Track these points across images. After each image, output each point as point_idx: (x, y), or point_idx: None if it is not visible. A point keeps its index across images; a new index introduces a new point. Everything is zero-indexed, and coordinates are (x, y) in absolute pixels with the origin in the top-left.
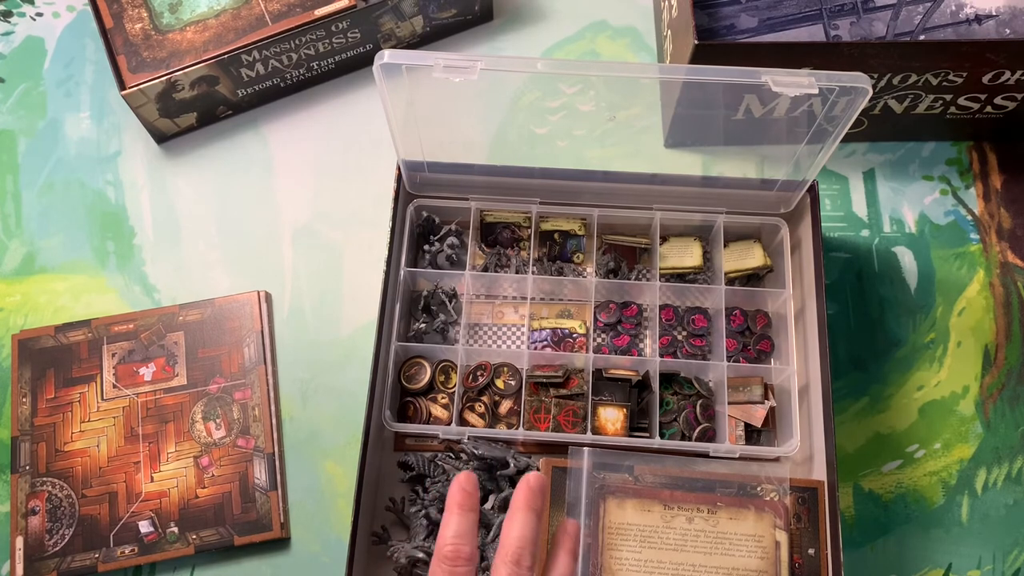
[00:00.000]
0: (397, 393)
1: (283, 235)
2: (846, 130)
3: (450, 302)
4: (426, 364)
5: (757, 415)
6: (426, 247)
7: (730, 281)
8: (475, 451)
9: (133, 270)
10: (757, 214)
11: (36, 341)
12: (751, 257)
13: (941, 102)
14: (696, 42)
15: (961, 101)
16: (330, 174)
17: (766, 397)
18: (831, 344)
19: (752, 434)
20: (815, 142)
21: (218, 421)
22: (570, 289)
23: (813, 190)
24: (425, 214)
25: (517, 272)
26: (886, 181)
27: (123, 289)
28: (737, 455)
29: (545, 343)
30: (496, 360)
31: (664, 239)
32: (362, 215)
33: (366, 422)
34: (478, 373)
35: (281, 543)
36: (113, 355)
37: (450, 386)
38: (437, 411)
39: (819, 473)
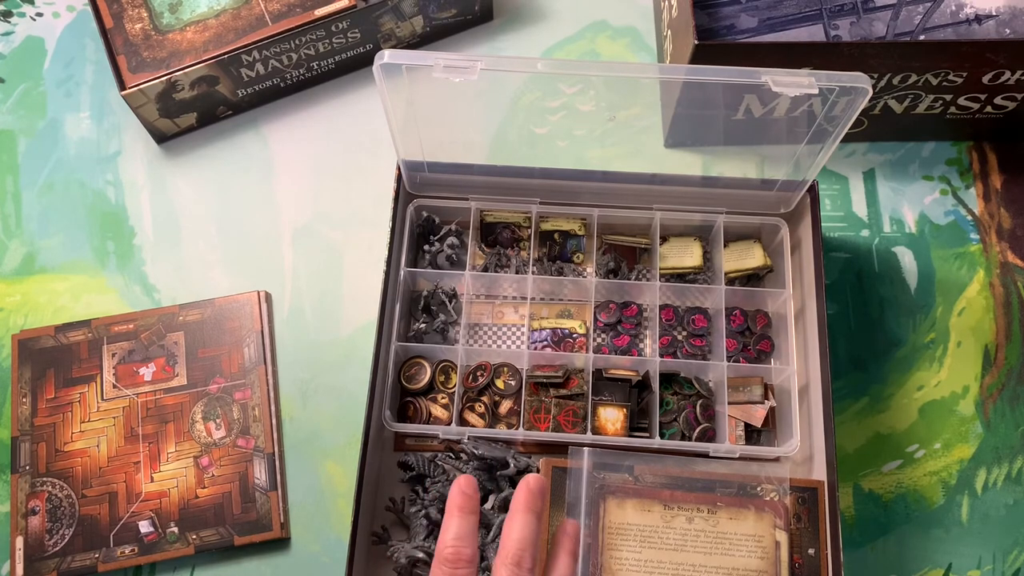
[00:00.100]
0: (397, 393)
1: (283, 235)
2: (846, 130)
3: (450, 302)
4: (426, 364)
5: (757, 415)
6: (426, 247)
7: (730, 281)
8: (475, 451)
9: (133, 270)
10: (757, 214)
11: (36, 341)
12: (751, 257)
13: (941, 102)
14: (696, 42)
15: (961, 101)
16: (330, 174)
17: (766, 397)
18: (831, 344)
19: (752, 434)
20: (815, 142)
21: (218, 421)
22: (570, 289)
23: (813, 190)
24: (425, 214)
25: (517, 272)
26: (886, 181)
27: (123, 289)
28: (737, 455)
29: (545, 343)
30: (496, 360)
31: (664, 239)
32: (362, 215)
33: (366, 422)
34: (478, 373)
35: (281, 543)
36: (113, 355)
37: (450, 386)
38: (437, 411)
39: (819, 473)
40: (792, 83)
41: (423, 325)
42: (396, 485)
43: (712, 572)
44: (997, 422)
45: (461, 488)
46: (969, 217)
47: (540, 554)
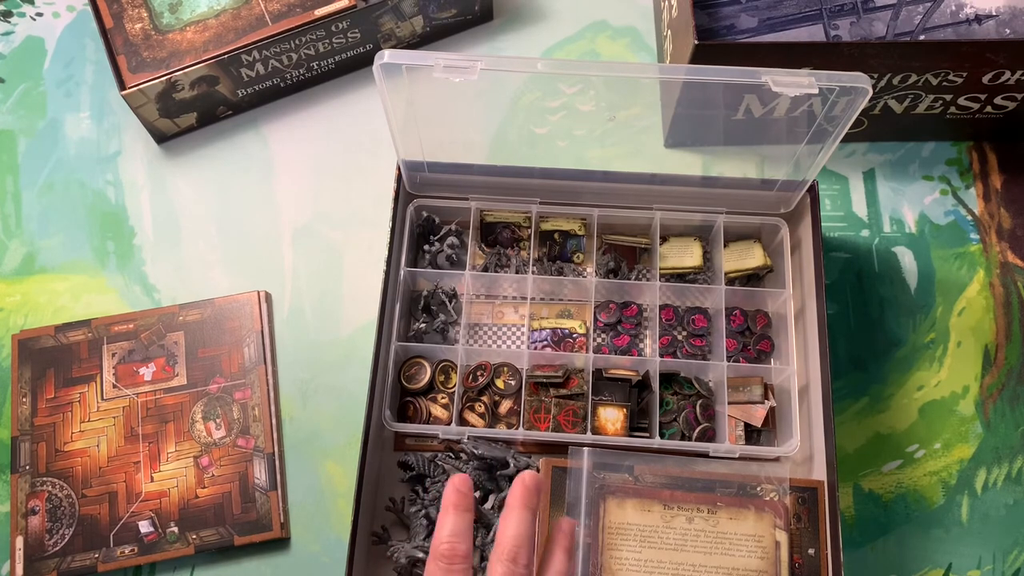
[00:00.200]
0: (397, 393)
1: (283, 235)
2: (846, 130)
3: (450, 302)
4: (426, 364)
5: (757, 415)
6: (426, 247)
7: (730, 281)
8: (475, 451)
9: (133, 270)
10: (757, 214)
11: (36, 341)
12: (751, 257)
13: (941, 102)
14: (696, 42)
15: (961, 101)
16: (330, 174)
17: (766, 397)
18: (831, 344)
19: (752, 434)
20: (815, 142)
21: (218, 421)
22: (570, 289)
23: (813, 190)
24: (425, 214)
25: (517, 272)
26: (886, 181)
27: (123, 289)
28: (737, 455)
29: (545, 343)
30: (496, 360)
31: (664, 239)
32: (362, 215)
33: (366, 422)
34: (478, 373)
35: (281, 543)
36: (113, 355)
37: (450, 386)
38: (437, 411)
39: (819, 473)
40: (792, 83)
41: (423, 325)
42: (396, 485)
43: (712, 572)
44: (997, 422)
45: (456, 486)
46: (969, 217)
47: (536, 551)
